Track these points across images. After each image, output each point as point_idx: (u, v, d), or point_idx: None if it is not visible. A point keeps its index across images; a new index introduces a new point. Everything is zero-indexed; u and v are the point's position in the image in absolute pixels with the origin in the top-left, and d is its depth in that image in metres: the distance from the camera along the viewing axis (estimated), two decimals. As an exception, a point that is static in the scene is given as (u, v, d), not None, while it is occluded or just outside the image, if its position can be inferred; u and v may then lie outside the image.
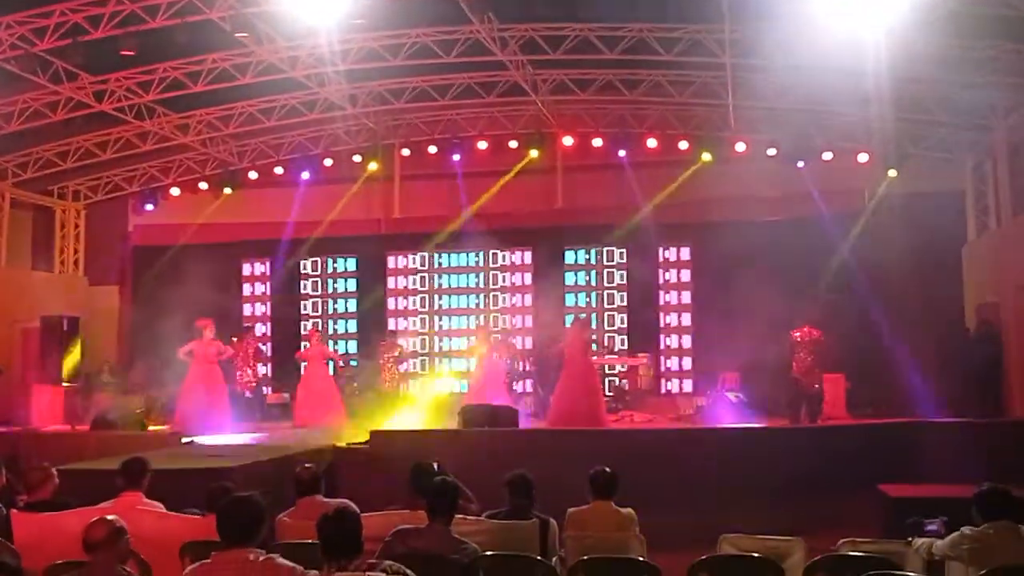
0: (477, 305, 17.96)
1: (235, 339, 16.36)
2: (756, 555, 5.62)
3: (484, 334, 14.96)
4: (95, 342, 17.31)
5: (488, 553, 5.47)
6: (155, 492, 6.79)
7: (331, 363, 15.97)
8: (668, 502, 8.80)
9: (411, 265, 18.28)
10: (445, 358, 17.96)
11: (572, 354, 13.43)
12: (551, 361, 14.43)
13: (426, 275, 18.22)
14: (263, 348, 17.33)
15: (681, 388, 16.99)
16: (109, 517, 4.84)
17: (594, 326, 16.98)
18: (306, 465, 7.35)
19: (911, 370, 13.34)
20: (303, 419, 14.49)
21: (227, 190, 17.80)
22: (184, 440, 11.99)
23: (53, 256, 18.42)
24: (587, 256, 17.70)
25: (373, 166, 17.18)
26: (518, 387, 15.97)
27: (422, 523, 5.58)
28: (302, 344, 17.26)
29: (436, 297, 18.14)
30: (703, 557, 5.58)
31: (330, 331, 18.24)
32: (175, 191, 18.45)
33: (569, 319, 16.25)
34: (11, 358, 16.24)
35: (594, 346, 15.13)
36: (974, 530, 5.53)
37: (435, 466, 7.11)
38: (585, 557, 5.60)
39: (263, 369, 16.88)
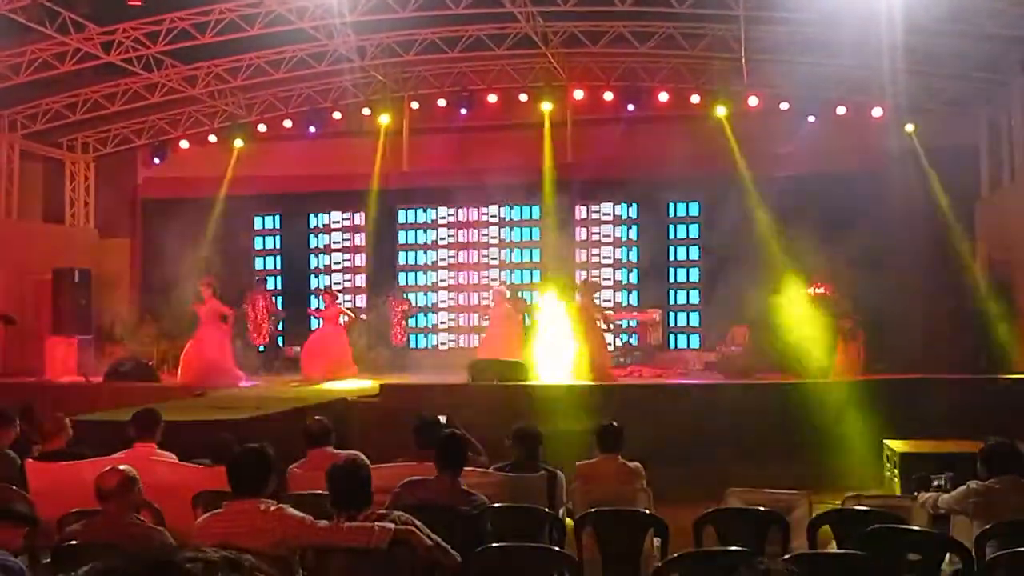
0: (487, 260, 17.96)
1: (247, 294, 16.47)
2: (761, 508, 5.67)
3: (500, 289, 14.94)
4: (106, 295, 17.38)
5: (496, 505, 5.53)
6: (167, 443, 6.88)
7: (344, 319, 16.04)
8: (675, 456, 8.88)
9: (420, 219, 18.26)
10: (455, 313, 18.00)
11: (579, 311, 13.49)
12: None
13: (435, 230, 18.20)
14: (275, 301, 17.35)
15: (689, 344, 17.00)
16: (121, 466, 4.90)
17: (604, 281, 17.03)
18: (316, 417, 7.43)
19: (922, 326, 13.33)
20: (311, 372, 14.58)
21: (237, 143, 17.72)
22: (196, 393, 12.12)
23: (64, 209, 18.43)
24: (597, 211, 17.64)
25: (383, 119, 17.07)
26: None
27: (431, 475, 5.64)
28: (314, 301, 17.33)
29: (446, 252, 18.13)
30: (709, 510, 5.63)
31: (340, 285, 18.28)
32: (184, 144, 18.39)
33: (579, 275, 16.24)
34: (23, 310, 16.33)
35: (600, 302, 15.18)
36: (980, 484, 5.55)
37: (443, 419, 7.17)
38: (592, 509, 5.66)
39: (276, 323, 16.92)
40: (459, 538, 4.74)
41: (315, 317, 15.89)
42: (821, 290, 13.48)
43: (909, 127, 15.12)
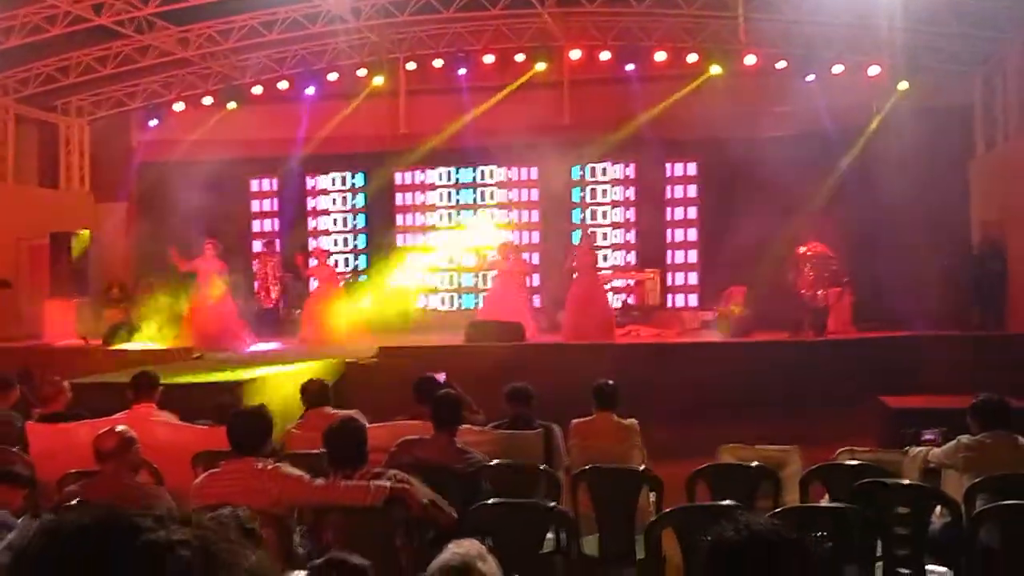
0: (487, 221, 17.93)
1: (258, 256, 16.49)
2: (754, 464, 5.74)
3: (504, 249, 14.93)
4: (103, 258, 17.37)
5: (493, 462, 5.59)
6: (167, 405, 6.94)
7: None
8: (670, 414, 8.96)
9: (417, 180, 18.22)
10: (456, 273, 18.02)
11: (581, 268, 13.57)
12: (561, 277, 14.53)
13: (432, 191, 18.17)
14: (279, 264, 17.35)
15: (687, 303, 17.05)
16: (119, 428, 4.96)
17: (603, 241, 17.06)
18: (313, 378, 7.49)
19: (916, 285, 13.39)
20: (309, 334, 14.64)
21: (231, 105, 17.61)
22: (194, 355, 12.19)
23: (59, 173, 18.38)
24: (593, 171, 17.60)
25: (378, 80, 16.96)
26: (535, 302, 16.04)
27: (428, 434, 5.70)
28: (309, 261, 17.35)
29: (445, 213, 18.11)
30: (702, 466, 5.70)
31: (339, 247, 18.29)
32: (178, 106, 18.28)
33: (576, 235, 16.23)
34: (19, 274, 16.36)
35: (602, 260, 15.23)
36: (970, 439, 5.62)
37: (442, 377, 7.24)
38: (588, 466, 5.73)
39: (283, 286, 16.95)
40: (456, 495, 4.80)
41: (309, 276, 15.96)
42: (812, 250, 13.51)
43: (903, 85, 15.04)
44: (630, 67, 16.30)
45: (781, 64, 15.75)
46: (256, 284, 16.66)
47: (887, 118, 15.17)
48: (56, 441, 6.39)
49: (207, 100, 17.97)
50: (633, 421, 6.86)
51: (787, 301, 13.60)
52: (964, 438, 5.66)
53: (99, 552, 1.10)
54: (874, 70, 15.40)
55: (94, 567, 1.09)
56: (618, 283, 16.63)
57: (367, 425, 5.18)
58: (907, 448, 6.14)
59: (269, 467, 4.61)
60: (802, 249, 13.51)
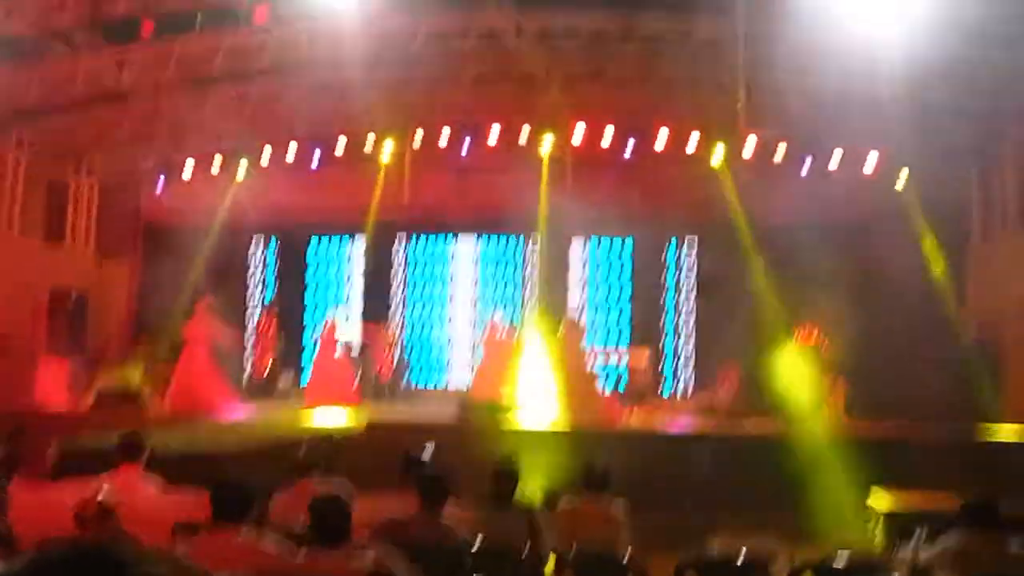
0: (482, 294, 18.03)
1: (259, 319, 16.52)
2: (742, 558, 5.67)
3: (496, 325, 14.97)
4: (102, 317, 17.39)
5: (477, 543, 5.54)
6: (153, 469, 6.89)
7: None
8: (659, 501, 8.87)
9: (417, 251, 18.34)
10: (447, 347, 18.03)
11: (565, 352, 13.51)
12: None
13: (430, 262, 18.28)
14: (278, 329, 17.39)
15: (681, 384, 17.02)
16: (102, 494, 4.92)
17: (596, 319, 17.07)
18: (303, 448, 7.45)
19: (911, 376, 13.36)
20: (313, 401, 14.65)
21: (240, 171, 17.83)
22: (185, 420, 12.12)
23: (65, 228, 18.48)
24: (594, 248, 17.72)
25: (385, 150, 17.17)
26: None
27: (412, 511, 5.66)
28: (312, 327, 17.44)
29: (440, 284, 18.19)
30: (689, 557, 5.64)
31: (334, 315, 18.33)
32: (188, 169, 18.48)
33: (571, 314, 16.28)
34: (19, 328, 16.35)
35: (590, 341, 15.21)
36: (960, 539, 5.57)
37: (429, 450, 7.20)
38: (572, 552, 5.67)
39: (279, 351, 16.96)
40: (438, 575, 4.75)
41: (316, 344, 15.97)
42: (811, 337, 13.53)
43: (902, 178, 15.23)
44: (631, 145, 16.50)
45: (781, 149, 15.97)
46: (251, 347, 16.65)
47: (885, 207, 15.31)
48: (39, 502, 6.33)
49: (217, 164, 18.17)
50: (621, 506, 6.80)
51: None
52: (954, 538, 5.61)
53: None
54: (872, 161, 15.61)
55: None
56: (610, 362, 16.60)
57: (353, 497, 5.14)
58: (896, 546, 6.08)
59: (251, 538, 4.57)
60: (799, 337, 13.53)
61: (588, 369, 13.78)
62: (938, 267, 14.65)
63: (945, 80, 12.62)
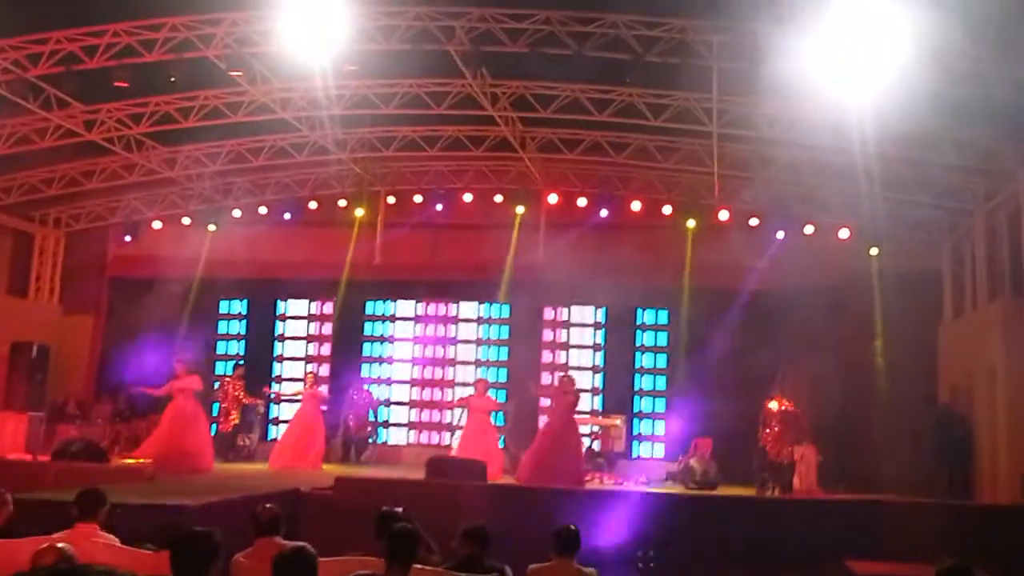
0: (454, 357, 17.93)
1: (226, 378, 16.26)
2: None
3: (482, 387, 14.89)
4: (64, 371, 17.07)
5: (445, 605, 5.38)
6: (114, 526, 6.67)
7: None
8: (632, 565, 8.74)
9: (388, 312, 18.25)
10: (424, 408, 17.87)
11: (555, 411, 13.41)
12: (525, 417, 14.40)
13: (402, 323, 18.18)
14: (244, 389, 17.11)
15: (653, 452, 16.90)
16: (60, 545, 4.74)
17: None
18: (267, 506, 7.25)
19: (884, 447, 13.36)
20: (280, 461, 14.40)
21: (211, 227, 17.70)
22: (147, 476, 11.84)
23: (29, 282, 18.23)
24: (565, 314, 17.72)
25: (359, 212, 17.13)
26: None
27: (380, 570, 5.49)
28: (275, 384, 17.20)
29: (413, 346, 18.07)
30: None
31: (301, 373, 18.11)
32: (157, 224, 18.36)
33: (545, 376, 16.20)
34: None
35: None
36: (937, 608, 5.48)
37: (400, 514, 7.02)
38: (544, 615, 5.52)
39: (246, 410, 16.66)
40: (405, 638, 4.59)
41: (295, 401, 15.75)
42: (783, 406, 13.51)
43: (873, 251, 15.41)
44: (605, 214, 16.62)
45: (754, 221, 16.15)
46: (217, 406, 16.37)
47: (857, 280, 15.45)
48: (-9, 557, 6.09)
49: (186, 220, 18.06)
50: (593, 570, 6.65)
51: (753, 456, 13.53)
52: (930, 607, 5.52)
53: None
54: (844, 233, 15.81)
55: None
56: (583, 428, 16.46)
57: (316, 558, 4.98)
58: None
59: (211, 598, 4.40)
60: (771, 405, 13.50)
61: (576, 432, 13.62)
62: (911, 340, 14.73)
63: (916, 150, 12.84)
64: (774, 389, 13.52)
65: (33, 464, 13.19)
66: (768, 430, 13.37)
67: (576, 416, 13.78)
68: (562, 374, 15.09)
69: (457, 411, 16.78)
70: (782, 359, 14.02)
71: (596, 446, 16.28)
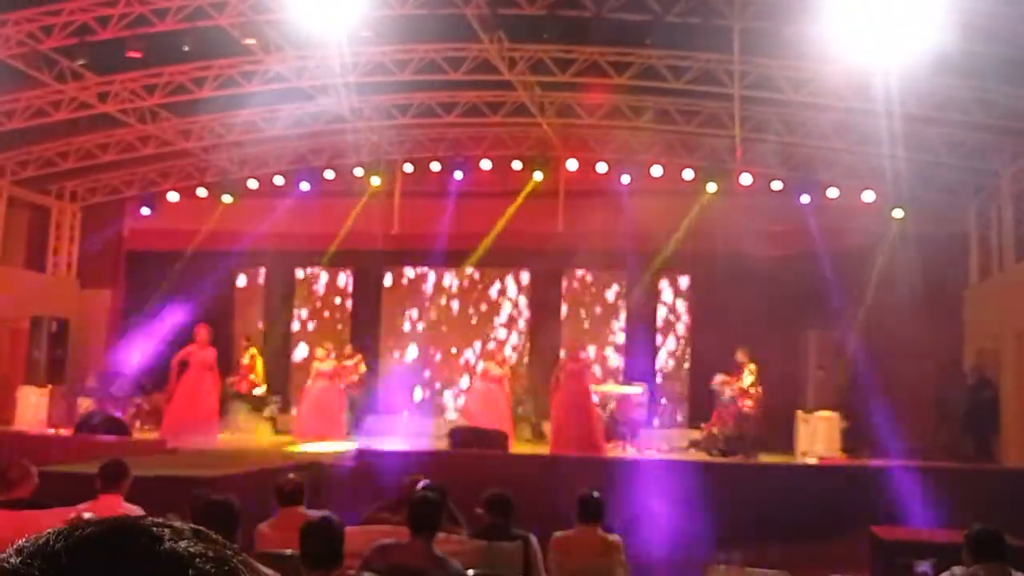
0: (473, 326, 17.85)
1: (247, 346, 16.23)
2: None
3: (499, 357, 14.84)
4: (83, 345, 17.11)
5: (470, 573, 5.33)
6: (136, 499, 6.65)
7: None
8: (656, 531, 8.67)
9: (407, 282, 18.17)
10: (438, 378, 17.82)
11: (568, 379, 13.37)
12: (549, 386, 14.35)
13: (421, 293, 18.11)
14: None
15: (675, 420, 16.81)
16: (86, 515, 4.70)
17: (592, 354, 16.83)
18: (289, 476, 7.22)
19: (908, 412, 13.22)
20: (302, 432, 14.40)
21: (226, 198, 17.63)
22: (169, 449, 11.87)
23: (46, 256, 18.26)
24: (585, 282, 17.59)
25: (375, 181, 16.97)
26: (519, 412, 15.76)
27: (404, 538, 5.44)
28: (295, 354, 17.19)
29: (431, 316, 18.00)
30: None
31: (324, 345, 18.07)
32: (173, 196, 18.30)
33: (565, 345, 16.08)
34: (-1, 356, 16.10)
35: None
36: (964, 571, 5.39)
37: (425, 484, 6.98)
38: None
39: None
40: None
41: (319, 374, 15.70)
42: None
43: (898, 212, 15.18)
44: (626, 179, 16.43)
45: (776, 185, 15.93)
46: (235, 373, 16.28)
47: (881, 244, 15.25)
48: (18, 528, 6.05)
49: (202, 191, 18.00)
50: (617, 537, 6.59)
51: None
52: (958, 570, 5.43)
53: (118, 559, 0.98)
54: (868, 196, 15.57)
55: (113, 573, 0.98)
56: (607, 392, 16.40)
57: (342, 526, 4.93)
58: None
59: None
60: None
61: (587, 397, 13.58)
62: (937, 304, 14.55)
63: (941, 110, 12.59)
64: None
65: (56, 438, 13.28)
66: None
67: (592, 384, 13.73)
68: (571, 342, 15.04)
69: (465, 377, 16.73)
70: (805, 325, 13.89)
71: (618, 415, 16.23)
